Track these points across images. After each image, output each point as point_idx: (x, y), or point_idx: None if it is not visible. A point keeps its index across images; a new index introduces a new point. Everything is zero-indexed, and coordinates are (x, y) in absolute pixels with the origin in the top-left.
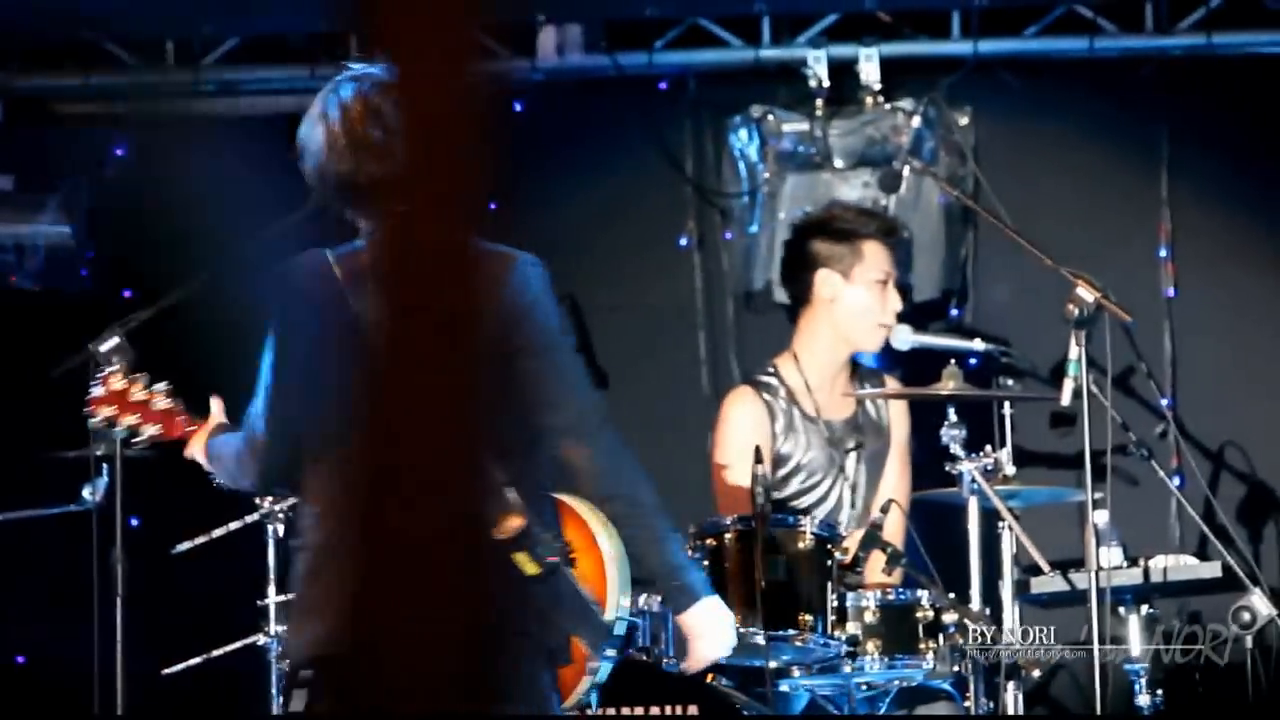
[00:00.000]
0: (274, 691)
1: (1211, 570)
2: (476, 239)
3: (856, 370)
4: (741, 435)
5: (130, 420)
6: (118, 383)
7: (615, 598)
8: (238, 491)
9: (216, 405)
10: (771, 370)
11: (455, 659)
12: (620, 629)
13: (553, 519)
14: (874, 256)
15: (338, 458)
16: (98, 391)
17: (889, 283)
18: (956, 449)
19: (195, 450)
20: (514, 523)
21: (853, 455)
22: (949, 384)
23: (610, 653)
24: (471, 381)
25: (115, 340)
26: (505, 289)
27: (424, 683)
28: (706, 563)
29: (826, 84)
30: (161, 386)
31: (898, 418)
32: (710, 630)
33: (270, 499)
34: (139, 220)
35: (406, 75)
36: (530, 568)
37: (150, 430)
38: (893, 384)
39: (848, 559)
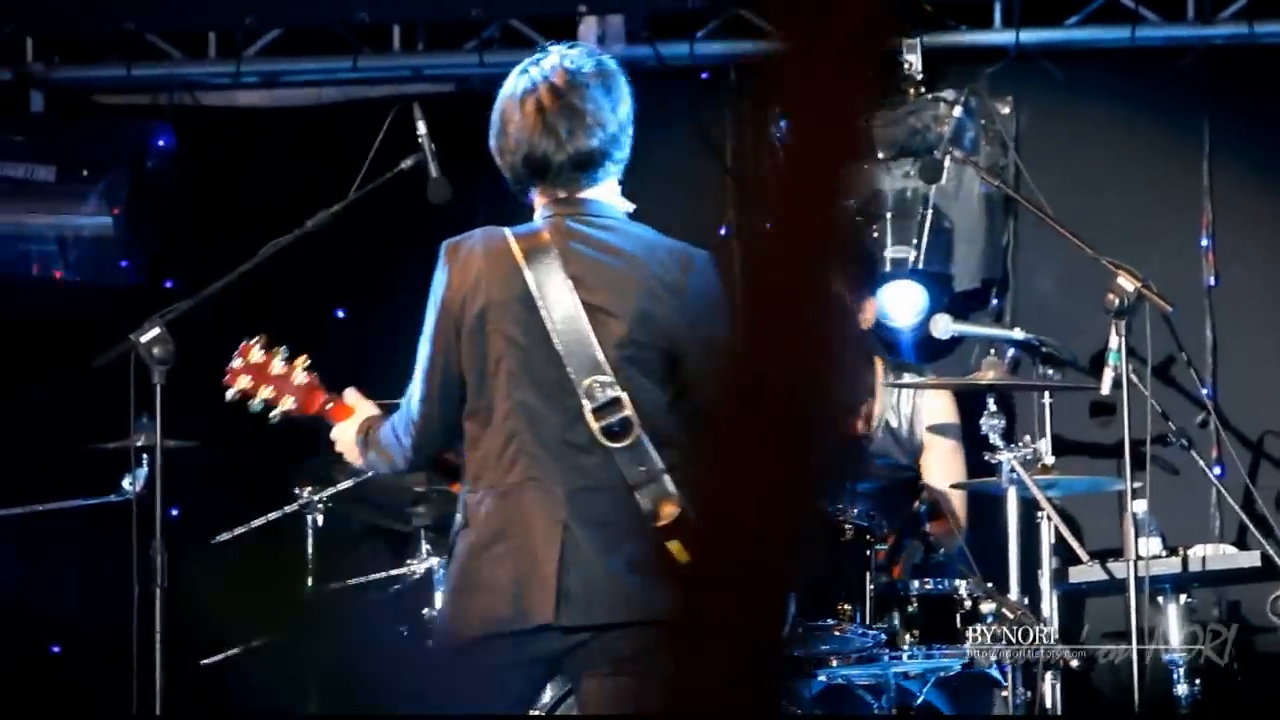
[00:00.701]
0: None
1: (1251, 560)
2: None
3: (895, 366)
4: None
5: (266, 393)
6: (256, 355)
7: None
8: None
9: (354, 395)
10: None
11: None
12: None
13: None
14: None
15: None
16: (236, 363)
17: None
18: (996, 439)
19: (342, 436)
20: (670, 510)
21: None
22: (989, 373)
23: None
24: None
25: (156, 331)
26: (687, 283)
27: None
28: None
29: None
30: (301, 360)
31: (939, 414)
32: None
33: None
34: (181, 211)
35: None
36: (684, 556)
37: (287, 404)
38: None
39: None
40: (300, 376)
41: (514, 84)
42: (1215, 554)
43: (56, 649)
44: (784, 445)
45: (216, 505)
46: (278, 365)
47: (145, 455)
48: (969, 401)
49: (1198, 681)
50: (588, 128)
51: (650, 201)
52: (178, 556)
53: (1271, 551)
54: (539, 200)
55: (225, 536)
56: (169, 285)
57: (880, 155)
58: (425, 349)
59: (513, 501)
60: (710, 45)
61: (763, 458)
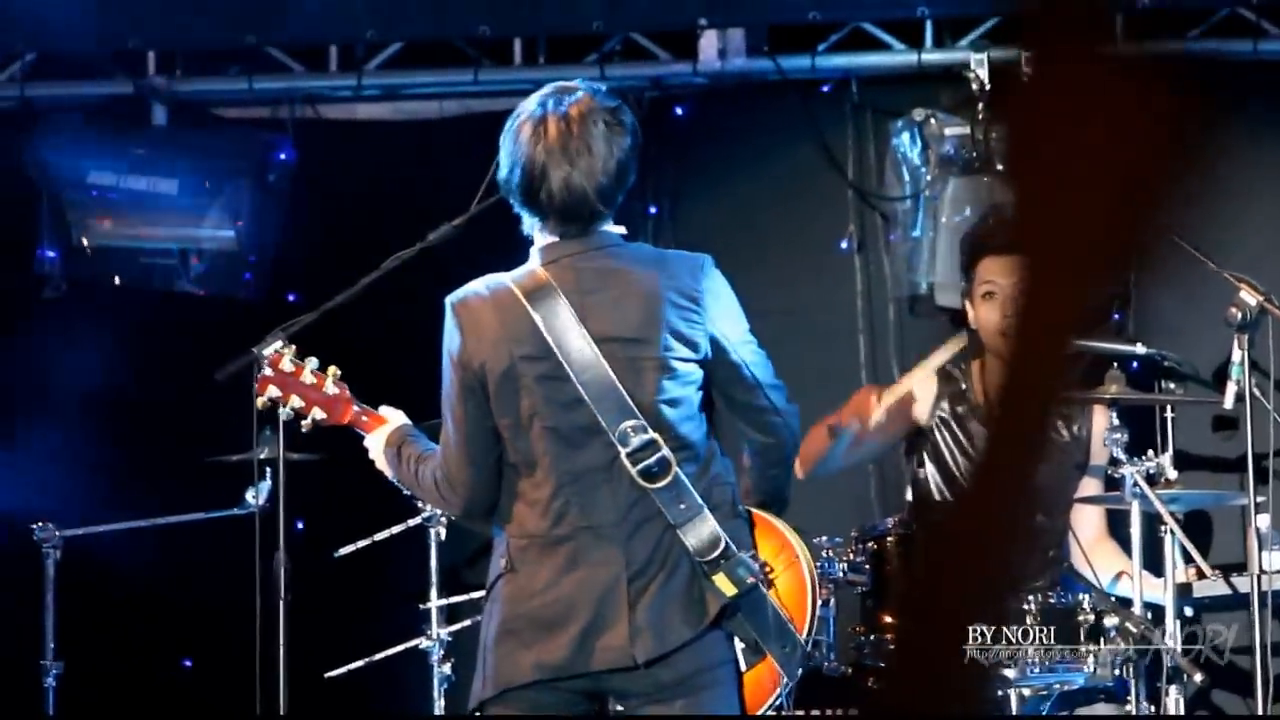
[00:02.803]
0: (435, 694)
1: None
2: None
3: None
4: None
5: (296, 402)
6: (286, 364)
7: (812, 618)
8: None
9: (389, 410)
10: (963, 368)
11: None
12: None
13: (749, 537)
14: (985, 270)
15: (545, 483)
16: (266, 372)
17: (998, 294)
18: (1118, 453)
19: (373, 445)
20: (714, 544)
21: None
22: (1111, 388)
23: (799, 671)
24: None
25: (278, 344)
26: (701, 288)
27: None
28: (868, 566)
29: (989, 87)
30: (332, 370)
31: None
32: None
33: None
34: (303, 224)
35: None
36: (728, 588)
37: (317, 414)
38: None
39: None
40: (330, 387)
41: (523, 117)
42: None
43: (188, 663)
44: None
45: (339, 518)
46: (308, 375)
47: (269, 468)
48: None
49: None
50: (593, 166)
51: (770, 214)
52: (301, 569)
53: None
54: (539, 235)
55: (348, 549)
56: (291, 298)
57: (1000, 168)
58: (455, 409)
59: (565, 550)
60: (831, 58)
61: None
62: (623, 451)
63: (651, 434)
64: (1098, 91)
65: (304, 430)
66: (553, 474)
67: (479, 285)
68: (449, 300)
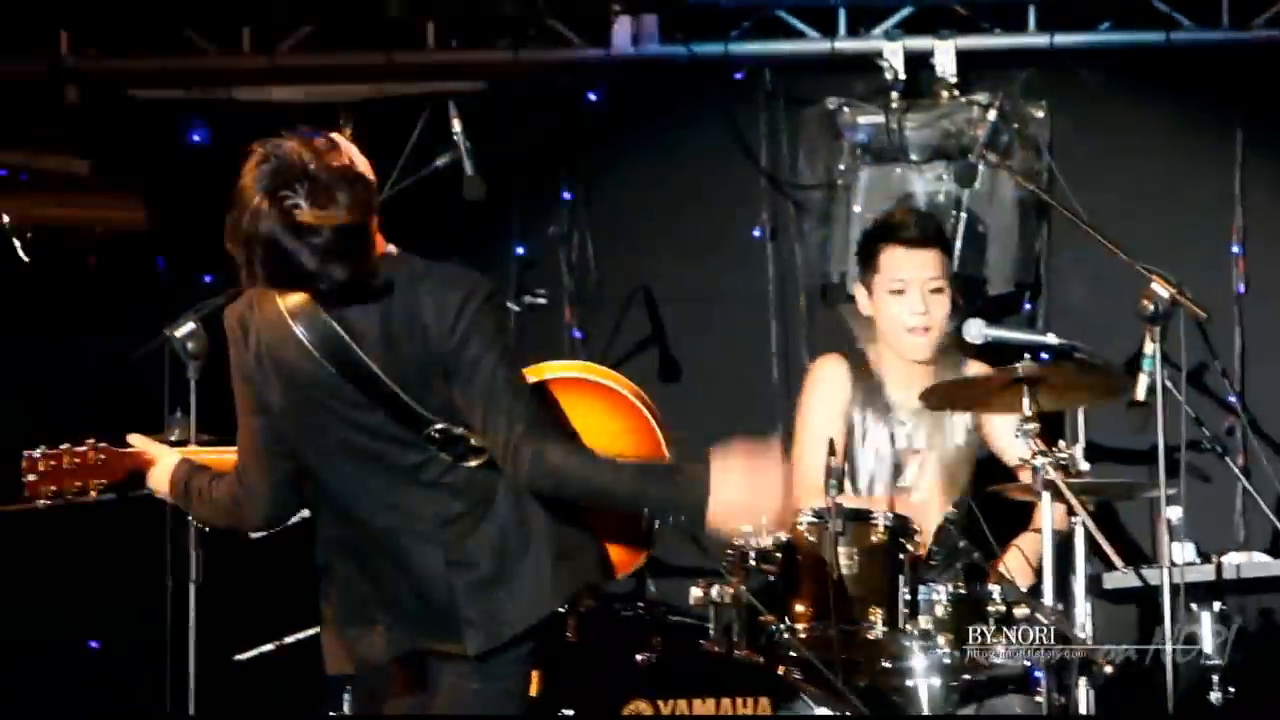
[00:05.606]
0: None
1: None
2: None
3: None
4: (821, 399)
5: (75, 486)
6: (45, 463)
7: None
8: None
9: (140, 440)
10: (863, 351)
11: None
12: None
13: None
14: (889, 264)
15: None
16: (30, 477)
17: (907, 290)
18: (1030, 444)
19: (157, 484)
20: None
21: (915, 458)
22: None
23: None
24: None
25: (191, 326)
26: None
27: None
28: (779, 554)
29: (902, 77)
30: (89, 443)
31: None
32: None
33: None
34: (216, 205)
35: None
36: None
37: (98, 484)
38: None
39: (921, 553)
40: (94, 457)
41: (247, 202)
42: (1249, 561)
43: (95, 644)
44: None
45: None
46: (68, 461)
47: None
48: None
49: (1231, 689)
50: (329, 227)
51: (684, 201)
52: (211, 552)
53: None
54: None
55: (261, 533)
56: (207, 280)
57: (914, 158)
58: (240, 414)
59: (366, 549)
60: (745, 45)
61: None
62: (431, 449)
63: (445, 425)
64: None
65: (94, 500)
66: (341, 480)
67: (248, 299)
68: (225, 311)
